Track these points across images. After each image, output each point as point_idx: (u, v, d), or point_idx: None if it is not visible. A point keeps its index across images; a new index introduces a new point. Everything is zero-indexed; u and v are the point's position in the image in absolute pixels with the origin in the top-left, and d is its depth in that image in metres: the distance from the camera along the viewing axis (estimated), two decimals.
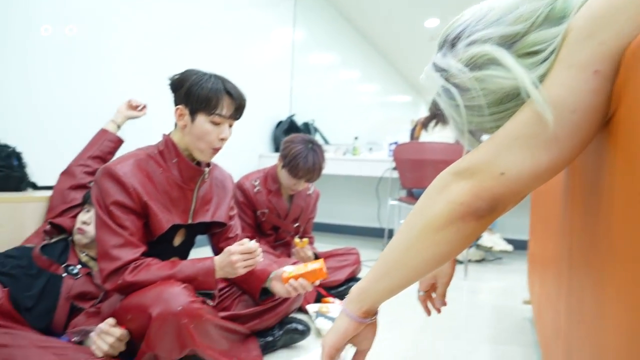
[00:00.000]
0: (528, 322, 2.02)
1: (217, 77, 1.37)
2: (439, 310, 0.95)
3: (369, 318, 0.70)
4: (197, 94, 1.31)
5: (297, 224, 2.29)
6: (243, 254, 1.29)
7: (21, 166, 2.04)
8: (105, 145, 1.93)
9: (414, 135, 3.52)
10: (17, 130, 2.21)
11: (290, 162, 2.07)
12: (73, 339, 1.24)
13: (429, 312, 0.97)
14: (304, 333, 1.63)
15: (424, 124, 3.43)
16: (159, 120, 2.47)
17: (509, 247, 3.27)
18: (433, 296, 0.95)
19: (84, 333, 1.25)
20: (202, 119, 1.33)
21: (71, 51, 2.42)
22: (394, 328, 1.89)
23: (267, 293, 1.49)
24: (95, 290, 1.56)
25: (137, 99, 2.08)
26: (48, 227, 1.69)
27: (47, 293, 1.46)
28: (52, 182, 2.32)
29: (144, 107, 2.10)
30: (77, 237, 1.66)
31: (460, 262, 3.31)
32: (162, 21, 3.18)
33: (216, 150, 1.39)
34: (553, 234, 1.06)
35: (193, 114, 1.34)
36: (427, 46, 6.94)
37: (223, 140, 1.38)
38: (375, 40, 6.97)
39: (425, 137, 3.37)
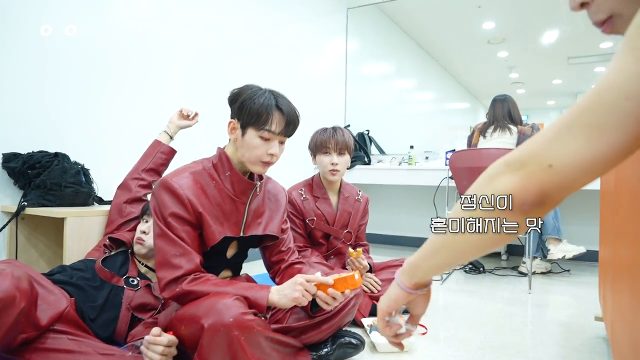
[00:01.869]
0: (602, 340, 1.87)
1: (271, 93, 1.38)
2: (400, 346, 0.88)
3: (419, 290, 0.75)
4: (249, 109, 1.34)
5: (346, 230, 2.26)
6: (309, 282, 1.30)
7: (88, 182, 2.16)
8: (158, 157, 2.01)
9: (471, 142, 3.41)
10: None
11: (313, 142, 2.20)
12: (130, 353, 1.28)
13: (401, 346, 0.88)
14: (357, 347, 1.60)
15: (482, 130, 3.32)
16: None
17: (582, 249, 3.04)
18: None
19: (139, 345, 1.28)
20: (251, 134, 1.36)
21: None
22: (453, 344, 1.82)
23: (316, 306, 1.48)
24: (153, 301, 1.62)
25: (188, 107, 2.12)
26: (107, 241, 1.77)
27: (109, 304, 1.53)
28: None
29: (196, 114, 2.13)
30: (136, 247, 1.73)
31: (524, 274, 3.15)
32: (211, 37, 3.28)
33: (266, 164, 1.40)
34: (628, 240, 0.97)
35: (244, 127, 1.37)
36: (485, 49, 6.74)
37: (272, 155, 1.39)
38: (431, 47, 6.85)
39: (484, 143, 3.26)
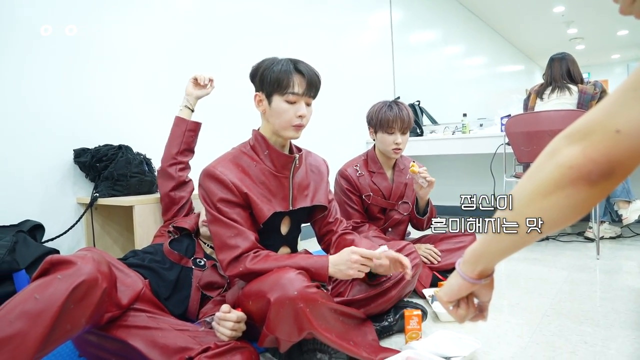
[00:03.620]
0: None
1: (288, 60, 1.42)
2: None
3: (483, 279, 0.72)
4: (269, 77, 1.39)
5: (403, 201, 2.24)
6: (364, 257, 1.32)
7: (151, 171, 2.27)
8: (187, 136, 1.99)
9: (527, 105, 3.27)
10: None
11: (377, 119, 2.13)
12: (202, 329, 1.35)
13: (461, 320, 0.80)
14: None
15: (538, 92, 3.17)
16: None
17: None
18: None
19: (210, 321, 1.36)
20: (277, 100, 1.40)
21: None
22: (516, 312, 1.79)
23: (374, 275, 1.50)
24: (220, 280, 1.70)
25: (202, 74, 2.01)
26: (171, 228, 1.83)
27: (180, 284, 1.62)
28: None
29: (211, 81, 2.04)
30: (202, 230, 1.81)
31: (591, 240, 3.03)
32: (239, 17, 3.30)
33: (298, 127, 1.43)
34: None
35: (269, 97, 1.42)
36: (539, 5, 6.38)
37: (301, 117, 1.41)
38: (479, 9, 6.56)
39: (541, 106, 3.12)
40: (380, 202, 2.20)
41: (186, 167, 2.02)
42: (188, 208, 1.97)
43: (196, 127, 2.04)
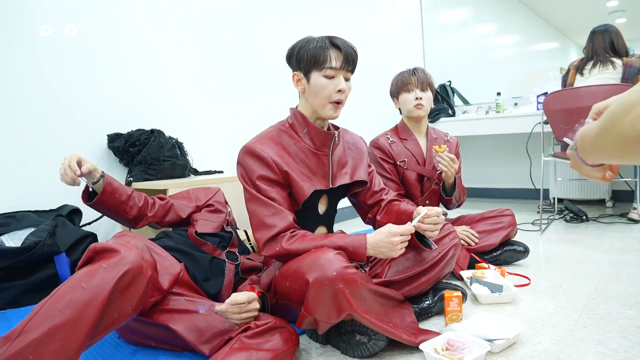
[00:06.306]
0: None
1: (323, 36, 1.40)
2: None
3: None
4: (306, 55, 1.38)
5: (439, 171, 2.19)
6: (403, 235, 1.30)
7: (183, 154, 2.28)
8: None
9: (566, 82, 3.13)
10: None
11: (395, 84, 2.18)
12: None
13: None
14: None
15: (578, 68, 3.03)
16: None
17: None
18: None
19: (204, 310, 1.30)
20: (315, 76, 1.38)
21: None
22: (559, 294, 1.73)
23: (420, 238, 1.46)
24: (256, 264, 1.69)
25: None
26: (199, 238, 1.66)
27: (214, 268, 1.60)
28: (208, 167, 2.54)
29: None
30: None
31: (635, 221, 2.91)
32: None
33: (337, 103, 1.41)
34: None
35: (307, 74, 1.40)
36: None
37: (341, 92, 1.39)
38: None
39: (581, 82, 2.98)
40: (415, 167, 2.16)
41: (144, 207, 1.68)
42: (175, 213, 1.75)
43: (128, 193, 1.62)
